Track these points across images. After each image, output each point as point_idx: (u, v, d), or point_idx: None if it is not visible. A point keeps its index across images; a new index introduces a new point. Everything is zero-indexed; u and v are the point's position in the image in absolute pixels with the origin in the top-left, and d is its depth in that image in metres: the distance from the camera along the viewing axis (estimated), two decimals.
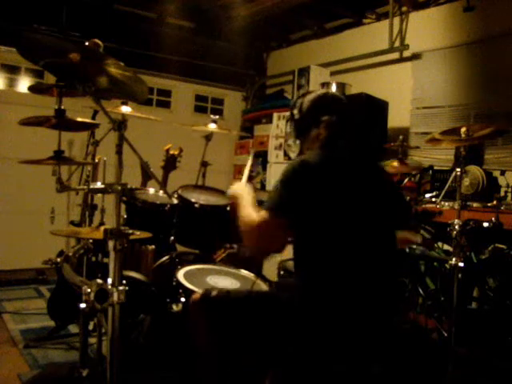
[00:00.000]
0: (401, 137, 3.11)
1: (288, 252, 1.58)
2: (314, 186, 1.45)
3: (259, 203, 2.49)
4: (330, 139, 1.64)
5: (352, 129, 1.70)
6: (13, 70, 4.69)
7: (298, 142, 1.72)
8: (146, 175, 2.90)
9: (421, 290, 2.88)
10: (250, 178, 2.78)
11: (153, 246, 2.52)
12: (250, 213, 1.55)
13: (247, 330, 1.53)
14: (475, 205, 2.86)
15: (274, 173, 4.67)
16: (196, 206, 2.46)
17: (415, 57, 4.28)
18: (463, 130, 2.21)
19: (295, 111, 1.73)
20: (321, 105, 1.69)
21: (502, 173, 3.11)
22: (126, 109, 2.47)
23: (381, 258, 1.54)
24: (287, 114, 4.34)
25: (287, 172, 1.49)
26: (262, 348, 1.53)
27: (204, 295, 1.63)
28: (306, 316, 1.44)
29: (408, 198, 2.90)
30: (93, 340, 2.36)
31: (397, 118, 4.21)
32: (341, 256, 1.47)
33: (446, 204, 2.79)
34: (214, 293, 1.61)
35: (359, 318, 1.45)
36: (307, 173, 1.47)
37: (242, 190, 1.74)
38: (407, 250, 2.66)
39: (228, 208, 1.78)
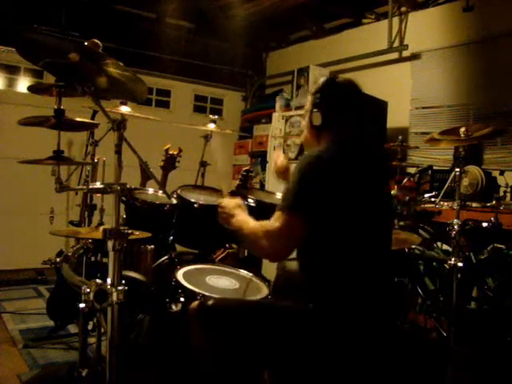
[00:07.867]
0: (400, 137, 3.11)
1: None
2: (328, 181, 1.43)
3: (259, 203, 2.51)
4: (344, 134, 1.60)
5: (363, 125, 1.68)
6: (12, 70, 4.68)
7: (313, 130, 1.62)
8: (146, 175, 2.90)
9: (420, 290, 2.87)
10: (245, 180, 2.78)
11: (152, 246, 2.52)
12: (253, 223, 1.53)
13: (245, 339, 1.51)
14: (474, 205, 2.87)
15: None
16: (195, 205, 2.46)
17: (414, 57, 4.29)
18: (462, 130, 2.22)
19: (318, 97, 1.60)
20: (346, 98, 1.62)
21: (501, 173, 3.11)
22: (125, 109, 2.46)
23: (383, 257, 1.55)
24: (286, 114, 4.41)
25: (302, 168, 1.45)
26: (260, 357, 1.52)
27: (201, 305, 1.59)
28: (311, 317, 1.44)
29: (407, 197, 2.90)
30: (92, 340, 2.35)
31: (396, 118, 4.21)
32: (350, 254, 1.46)
33: (445, 204, 2.80)
34: (210, 302, 1.57)
35: (363, 317, 1.45)
36: (323, 168, 1.44)
37: (231, 203, 1.69)
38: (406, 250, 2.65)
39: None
